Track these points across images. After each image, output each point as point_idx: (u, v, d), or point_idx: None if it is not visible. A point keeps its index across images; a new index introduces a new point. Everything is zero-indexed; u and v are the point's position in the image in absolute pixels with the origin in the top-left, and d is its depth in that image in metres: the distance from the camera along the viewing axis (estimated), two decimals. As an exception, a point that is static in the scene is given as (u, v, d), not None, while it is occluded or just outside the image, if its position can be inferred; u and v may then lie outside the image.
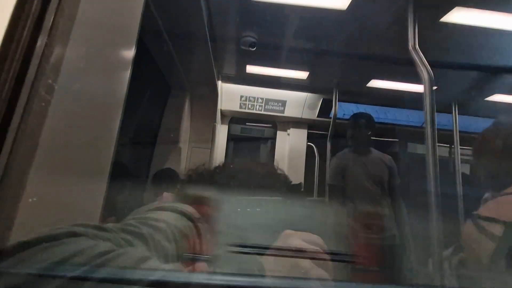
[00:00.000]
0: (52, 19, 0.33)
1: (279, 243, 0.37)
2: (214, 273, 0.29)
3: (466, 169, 3.40)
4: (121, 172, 1.63)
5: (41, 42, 0.31)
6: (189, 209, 0.44)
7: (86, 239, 0.27)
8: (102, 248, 0.26)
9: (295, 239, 0.36)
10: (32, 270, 0.22)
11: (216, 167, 0.60)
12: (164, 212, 0.42)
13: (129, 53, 0.73)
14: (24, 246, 0.24)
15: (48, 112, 0.31)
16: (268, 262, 0.34)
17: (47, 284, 0.22)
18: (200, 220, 0.45)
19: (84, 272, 0.23)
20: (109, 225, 0.33)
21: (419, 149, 3.78)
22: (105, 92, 0.60)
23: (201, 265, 0.40)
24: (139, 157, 2.33)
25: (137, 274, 0.25)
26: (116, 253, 0.26)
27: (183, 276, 0.27)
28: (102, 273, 0.23)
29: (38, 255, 0.23)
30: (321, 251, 0.36)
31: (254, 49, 2.05)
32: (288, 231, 0.38)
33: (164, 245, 0.36)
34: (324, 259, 0.36)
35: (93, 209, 0.47)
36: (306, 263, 0.34)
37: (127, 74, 0.73)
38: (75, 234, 0.27)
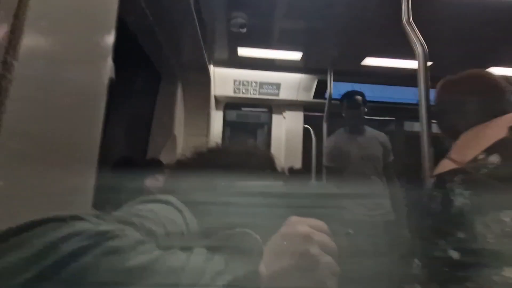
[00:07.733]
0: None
1: (285, 230, 0.35)
2: (210, 257, 0.28)
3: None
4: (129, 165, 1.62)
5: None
6: (171, 198, 0.43)
7: (89, 223, 0.28)
8: (104, 228, 0.27)
9: (303, 226, 0.35)
10: (38, 247, 0.23)
11: (200, 153, 0.58)
12: (148, 204, 0.42)
13: (109, 39, 0.70)
14: (31, 225, 0.25)
15: (10, 97, 0.30)
16: (271, 251, 0.33)
17: (51, 259, 0.23)
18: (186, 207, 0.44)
19: (85, 248, 0.24)
20: (104, 216, 0.34)
21: (415, 127, 3.78)
22: (83, 79, 0.57)
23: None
24: (134, 148, 2.32)
25: (134, 254, 0.25)
26: (116, 233, 0.27)
27: (178, 260, 0.27)
28: (100, 250, 0.24)
29: (44, 233, 0.24)
30: (329, 238, 0.35)
31: (245, 30, 1.99)
32: (294, 218, 0.36)
33: (156, 231, 0.36)
34: (332, 246, 0.35)
35: (76, 199, 0.46)
36: (316, 250, 0.33)
37: (108, 60, 0.70)
38: (79, 218, 0.28)
